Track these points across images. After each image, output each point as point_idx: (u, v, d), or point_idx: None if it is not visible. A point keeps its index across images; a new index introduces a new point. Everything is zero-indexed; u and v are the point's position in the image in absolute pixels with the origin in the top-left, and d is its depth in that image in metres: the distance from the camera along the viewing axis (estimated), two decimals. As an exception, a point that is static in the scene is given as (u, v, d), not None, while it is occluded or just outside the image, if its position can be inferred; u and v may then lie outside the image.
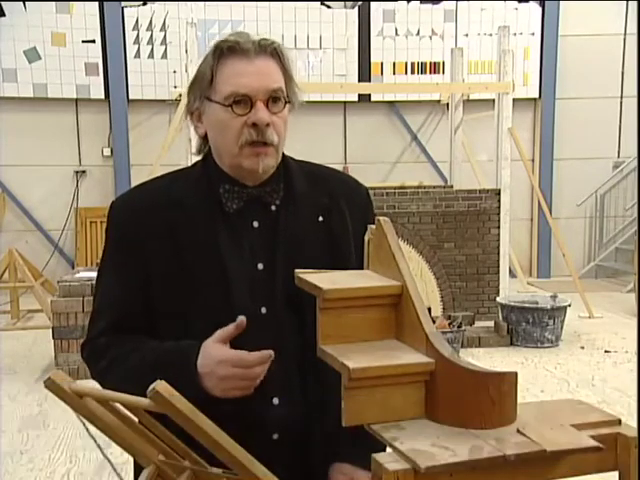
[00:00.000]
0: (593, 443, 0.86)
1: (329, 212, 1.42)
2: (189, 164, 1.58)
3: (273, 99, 1.34)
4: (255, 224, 1.39)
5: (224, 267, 1.35)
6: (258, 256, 1.38)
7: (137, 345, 1.35)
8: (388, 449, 0.87)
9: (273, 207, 1.40)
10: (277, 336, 1.35)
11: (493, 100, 6.59)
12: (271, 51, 1.35)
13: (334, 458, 1.39)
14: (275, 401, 1.36)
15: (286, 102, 1.37)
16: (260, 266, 1.38)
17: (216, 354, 1.23)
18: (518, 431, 0.88)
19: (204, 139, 1.43)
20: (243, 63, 1.33)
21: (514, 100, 6.50)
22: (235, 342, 1.31)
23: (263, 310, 1.37)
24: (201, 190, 1.39)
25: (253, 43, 1.33)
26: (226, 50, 1.33)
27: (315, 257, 1.35)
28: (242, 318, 1.23)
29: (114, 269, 1.41)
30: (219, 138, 1.37)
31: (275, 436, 1.35)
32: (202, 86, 1.36)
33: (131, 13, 8.18)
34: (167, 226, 1.36)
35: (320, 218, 1.41)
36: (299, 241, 1.39)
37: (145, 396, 1.27)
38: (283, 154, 1.43)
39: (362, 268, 1.26)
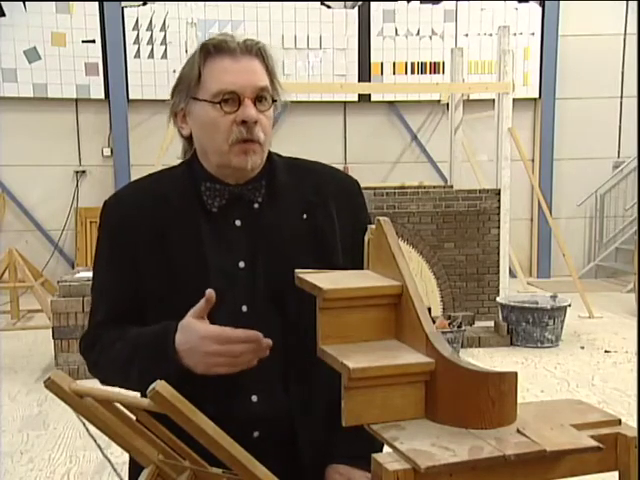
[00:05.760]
0: (593, 443, 0.86)
1: (314, 209, 1.41)
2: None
3: (259, 98, 1.35)
4: (237, 223, 1.39)
5: (205, 265, 1.35)
6: (239, 254, 1.38)
7: (121, 333, 1.35)
8: (387, 449, 0.87)
9: (256, 205, 1.40)
10: None
11: (493, 100, 6.59)
12: (256, 51, 1.36)
13: (331, 459, 1.39)
14: (254, 399, 1.36)
15: (273, 101, 1.37)
16: (241, 264, 1.38)
17: (199, 329, 1.22)
18: (518, 431, 0.88)
19: (189, 141, 1.43)
20: (230, 61, 1.34)
21: (514, 100, 6.50)
22: None
23: (244, 308, 1.36)
24: (184, 189, 1.40)
25: (239, 43, 1.35)
26: (213, 49, 1.34)
27: (298, 255, 1.34)
28: (210, 291, 1.21)
29: (107, 266, 1.42)
30: (207, 137, 1.37)
31: (256, 434, 1.34)
32: (188, 86, 1.36)
33: (131, 13, 8.18)
34: (153, 224, 1.37)
35: (304, 216, 1.40)
36: (282, 239, 1.38)
37: (128, 383, 1.27)
38: (269, 151, 1.43)
39: (351, 266, 1.26)
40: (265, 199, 1.40)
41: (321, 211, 1.41)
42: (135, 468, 1.37)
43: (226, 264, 1.37)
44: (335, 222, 1.42)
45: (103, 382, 1.42)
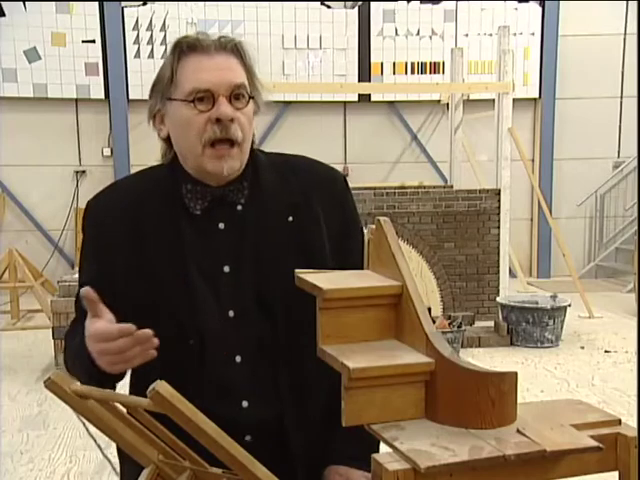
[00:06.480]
0: (593, 443, 0.86)
1: (300, 211, 1.38)
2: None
3: (236, 95, 1.31)
4: (221, 225, 1.36)
5: (188, 271, 1.32)
6: (224, 258, 1.35)
7: (79, 330, 1.33)
8: (387, 449, 0.87)
9: (239, 207, 1.37)
10: (245, 339, 1.34)
11: (493, 100, 6.59)
12: (232, 47, 1.33)
13: (329, 459, 1.39)
14: (244, 404, 1.34)
15: (249, 98, 1.33)
16: (226, 269, 1.35)
17: (87, 330, 1.19)
18: (518, 431, 0.88)
19: (168, 143, 1.40)
20: (204, 59, 1.31)
21: (514, 100, 6.50)
22: (202, 345, 1.31)
23: (231, 313, 1.34)
24: (166, 190, 1.37)
25: (213, 40, 1.32)
26: (186, 48, 1.32)
27: (285, 258, 1.32)
28: (86, 289, 1.17)
29: (89, 267, 1.41)
30: (182, 137, 1.34)
31: (248, 438, 1.33)
32: (163, 86, 1.33)
33: (131, 13, 8.18)
34: (133, 226, 1.34)
35: (290, 218, 1.37)
36: (267, 242, 1.35)
37: (81, 379, 1.26)
38: (253, 148, 1.40)
39: (339, 265, 1.25)
40: (248, 200, 1.37)
41: (307, 212, 1.38)
42: (127, 467, 1.37)
43: (210, 268, 1.35)
44: (322, 223, 1.39)
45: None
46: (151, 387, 0.95)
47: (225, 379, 1.33)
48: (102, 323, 1.18)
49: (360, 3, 8.52)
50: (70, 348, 1.35)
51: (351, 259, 1.25)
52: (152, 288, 1.32)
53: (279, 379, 1.35)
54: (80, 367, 1.28)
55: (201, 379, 1.31)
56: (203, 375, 1.31)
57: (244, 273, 1.35)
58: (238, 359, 1.34)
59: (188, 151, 1.34)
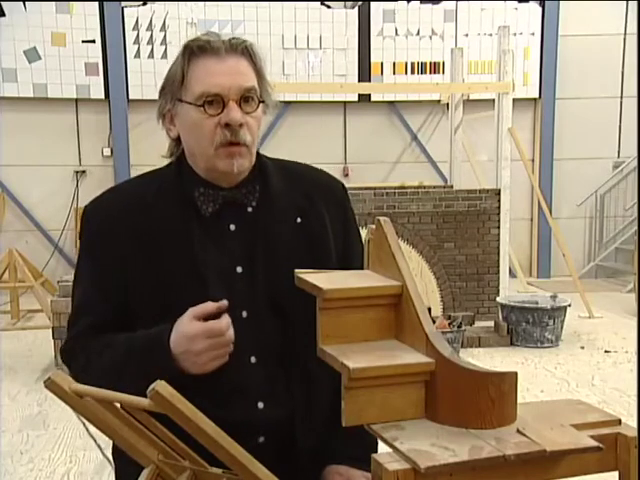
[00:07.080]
0: (593, 443, 0.86)
1: (307, 213, 1.40)
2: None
3: (245, 98, 1.32)
4: (232, 227, 1.37)
5: (200, 272, 1.32)
6: (236, 259, 1.36)
7: (110, 340, 1.33)
8: (387, 449, 0.87)
9: (250, 209, 1.38)
10: (259, 340, 1.34)
11: (493, 100, 6.59)
12: (242, 50, 1.33)
13: (330, 459, 1.39)
14: (260, 405, 1.34)
15: (259, 102, 1.34)
16: (239, 269, 1.35)
17: (188, 330, 1.21)
18: (518, 431, 0.88)
19: (177, 142, 1.41)
20: (214, 62, 1.31)
21: (514, 100, 6.50)
22: None
23: (244, 314, 1.34)
24: (175, 193, 1.37)
25: (224, 42, 1.32)
26: (196, 49, 1.32)
27: (295, 259, 1.32)
28: (225, 302, 1.23)
29: (89, 273, 1.39)
30: (192, 140, 1.35)
31: (261, 439, 1.34)
32: (173, 87, 1.34)
33: (131, 13, 8.18)
34: (140, 230, 1.33)
35: (298, 220, 1.39)
36: (278, 243, 1.36)
37: (123, 389, 1.26)
38: (258, 153, 1.41)
39: (342, 267, 1.26)
40: (259, 203, 1.38)
41: (313, 214, 1.40)
42: (123, 466, 1.37)
43: (224, 269, 1.35)
44: (328, 226, 1.41)
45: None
46: (151, 387, 0.95)
47: (240, 380, 1.32)
48: (199, 322, 1.22)
49: (360, 3, 8.52)
50: (108, 357, 1.31)
51: (352, 267, 1.25)
52: (161, 285, 1.32)
53: (291, 379, 1.36)
54: (142, 373, 1.22)
55: (216, 380, 1.30)
56: (217, 376, 1.31)
57: (257, 274, 1.35)
58: (253, 360, 1.34)
59: (199, 152, 1.34)
